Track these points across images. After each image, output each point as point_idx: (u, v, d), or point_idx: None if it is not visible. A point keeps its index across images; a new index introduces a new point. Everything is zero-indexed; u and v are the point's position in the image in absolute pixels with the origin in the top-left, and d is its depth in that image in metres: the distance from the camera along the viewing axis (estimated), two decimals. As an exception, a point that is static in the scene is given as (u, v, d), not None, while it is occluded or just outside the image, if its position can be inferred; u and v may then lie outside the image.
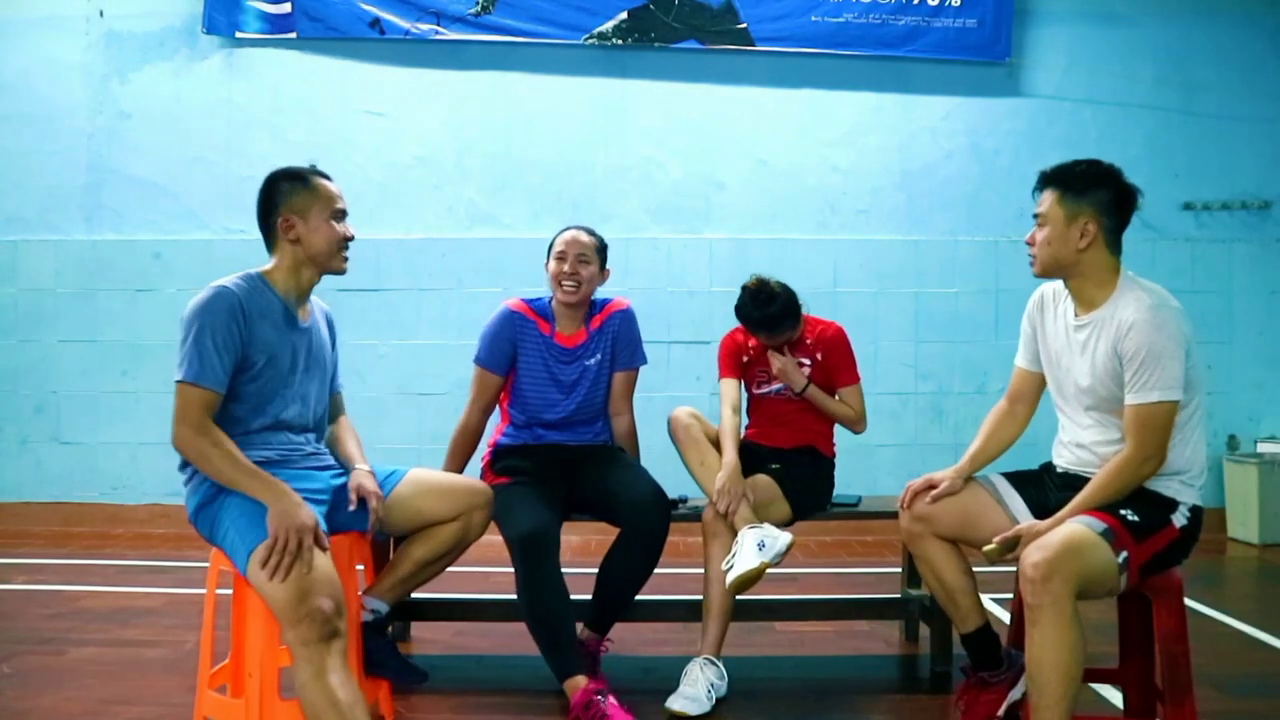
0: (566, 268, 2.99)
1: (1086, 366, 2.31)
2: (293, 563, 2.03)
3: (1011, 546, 2.24)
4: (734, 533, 2.79)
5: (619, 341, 3.09)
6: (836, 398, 3.09)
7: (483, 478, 3.01)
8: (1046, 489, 2.43)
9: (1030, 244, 2.36)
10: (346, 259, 2.47)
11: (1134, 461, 2.20)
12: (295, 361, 2.37)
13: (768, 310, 2.99)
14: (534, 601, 2.67)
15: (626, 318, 3.12)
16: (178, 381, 2.20)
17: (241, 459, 2.18)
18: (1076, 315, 2.35)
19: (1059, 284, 2.42)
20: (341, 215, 2.44)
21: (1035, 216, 2.35)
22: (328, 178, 2.46)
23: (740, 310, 3.05)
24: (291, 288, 2.40)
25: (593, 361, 3.06)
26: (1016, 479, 2.51)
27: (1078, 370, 2.33)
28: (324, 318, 2.58)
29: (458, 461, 3.08)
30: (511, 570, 2.68)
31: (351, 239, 2.46)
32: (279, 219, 2.37)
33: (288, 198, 2.38)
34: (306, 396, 2.42)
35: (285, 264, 2.40)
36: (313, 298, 2.51)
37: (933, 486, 2.48)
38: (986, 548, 2.29)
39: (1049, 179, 2.34)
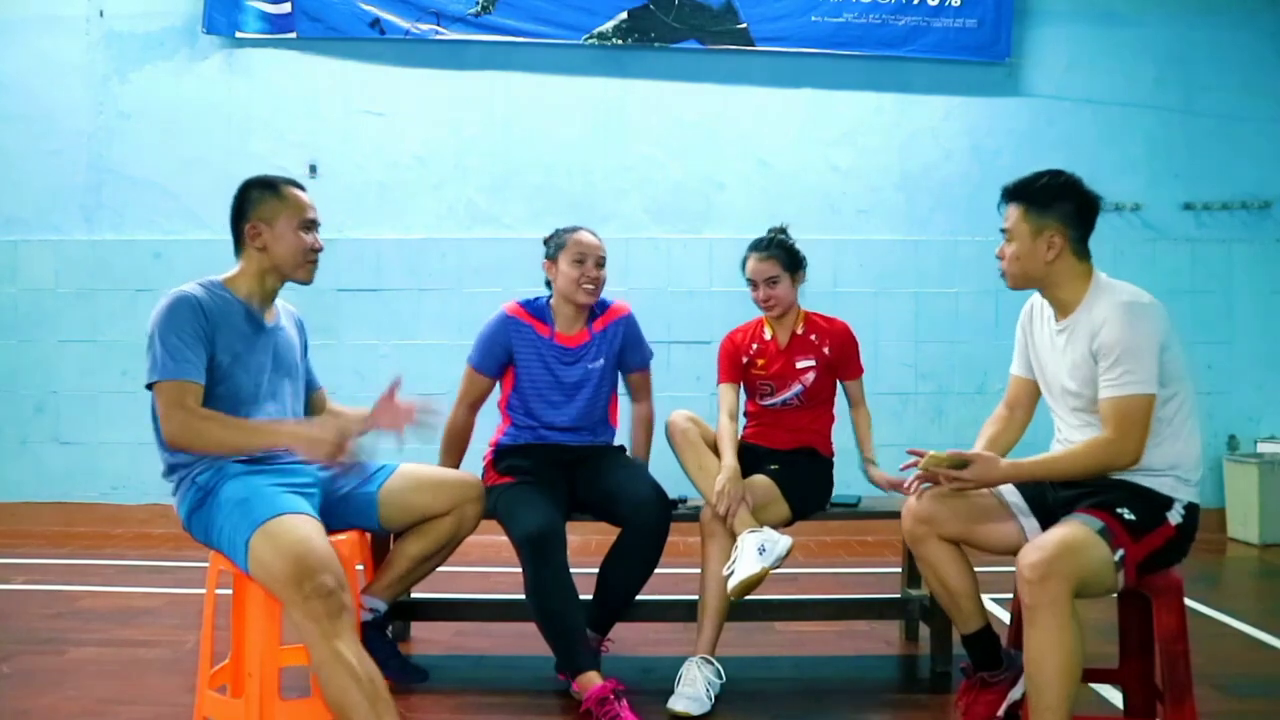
0: (591, 272, 3.01)
1: (1067, 369, 2.34)
2: (353, 462, 2.25)
3: (958, 465, 2.27)
4: (732, 535, 2.79)
5: (627, 345, 3.11)
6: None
7: (485, 477, 3.02)
8: (1045, 487, 2.43)
9: (1000, 257, 2.41)
10: (313, 270, 2.46)
11: (1112, 446, 2.19)
12: (264, 361, 2.39)
13: (775, 234, 3.11)
14: (544, 600, 2.67)
15: (630, 323, 3.14)
16: (152, 384, 2.22)
17: (241, 420, 2.23)
18: (1056, 320, 2.39)
19: None
20: (311, 226, 2.45)
21: (1002, 231, 2.40)
22: (301, 188, 2.47)
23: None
24: (254, 292, 2.41)
25: (595, 365, 3.06)
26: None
27: (1061, 373, 2.36)
28: (293, 321, 2.60)
29: (454, 459, 3.09)
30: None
31: (319, 250, 2.46)
32: (247, 225, 2.40)
33: (256, 205, 2.40)
34: (280, 394, 2.44)
35: (250, 270, 2.41)
36: (279, 302, 2.53)
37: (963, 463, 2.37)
38: (933, 453, 2.32)
39: (1012, 194, 2.38)
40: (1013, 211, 2.36)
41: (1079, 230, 2.33)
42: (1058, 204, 2.32)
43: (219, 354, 2.27)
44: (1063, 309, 2.36)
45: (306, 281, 2.46)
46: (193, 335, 2.23)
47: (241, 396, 2.31)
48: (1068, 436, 2.40)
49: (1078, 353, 2.30)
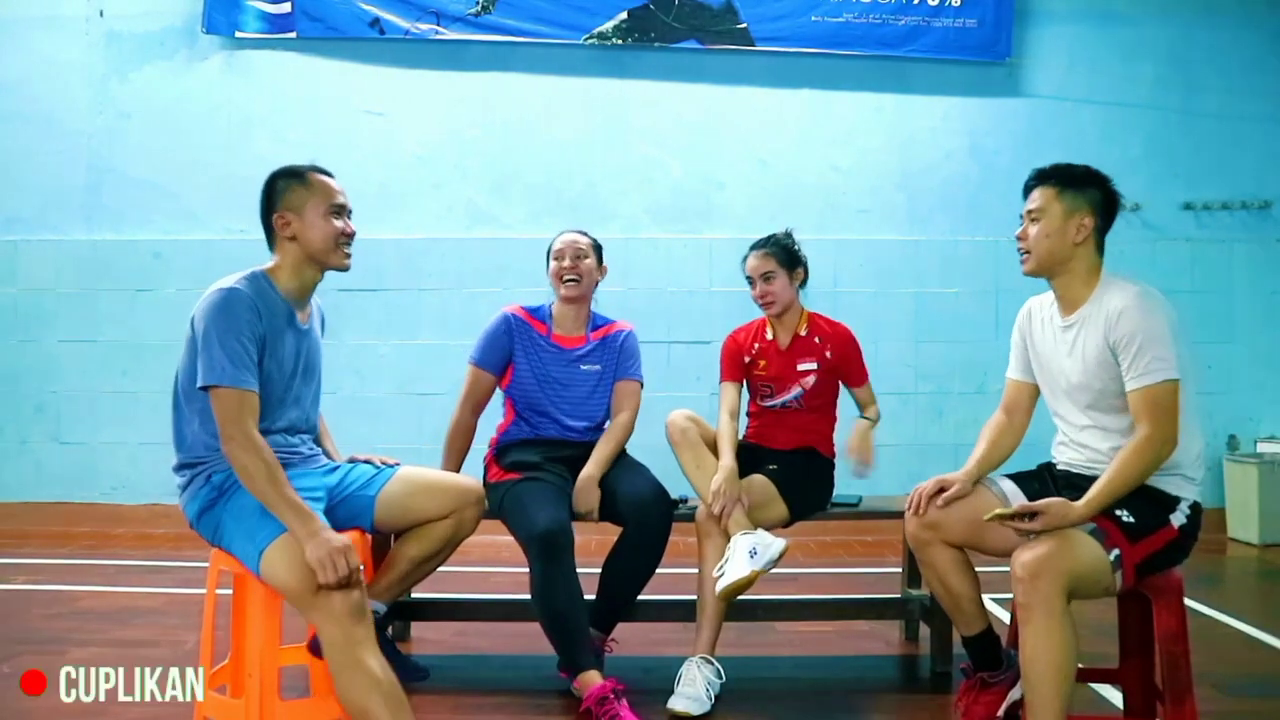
0: (566, 264, 3.06)
1: (1078, 365, 2.33)
2: (348, 577, 2.02)
3: (1023, 518, 2.16)
4: (727, 535, 2.78)
5: (622, 354, 3.13)
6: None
7: (487, 473, 3.03)
8: (1050, 490, 2.40)
9: (1022, 239, 2.40)
10: (348, 255, 2.42)
11: (1152, 442, 2.18)
12: (296, 366, 2.37)
13: (776, 235, 3.14)
14: (551, 599, 2.67)
15: (630, 337, 3.17)
16: (210, 387, 2.15)
17: (283, 482, 2.11)
18: (1063, 317, 2.39)
19: (1045, 296, 2.48)
20: (340, 211, 2.40)
21: (1026, 214, 2.40)
22: (328, 174, 2.44)
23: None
24: (294, 287, 2.38)
25: (590, 369, 3.09)
26: (1020, 480, 2.50)
27: (1069, 369, 2.36)
28: (319, 316, 2.57)
29: (455, 460, 3.09)
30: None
31: (352, 234, 2.42)
32: (276, 216, 2.36)
33: (284, 195, 2.36)
34: (302, 399, 2.42)
35: (286, 263, 2.37)
36: (313, 298, 2.50)
37: (943, 489, 2.45)
38: (999, 510, 2.22)
39: (1048, 175, 2.40)
40: (1046, 192, 2.38)
41: (1103, 220, 2.38)
42: (1090, 189, 2.37)
43: (264, 357, 2.24)
44: (1070, 304, 2.37)
45: (343, 268, 2.42)
46: (250, 338, 2.19)
47: (267, 398, 2.26)
48: (1074, 438, 2.39)
49: (1091, 346, 2.29)
